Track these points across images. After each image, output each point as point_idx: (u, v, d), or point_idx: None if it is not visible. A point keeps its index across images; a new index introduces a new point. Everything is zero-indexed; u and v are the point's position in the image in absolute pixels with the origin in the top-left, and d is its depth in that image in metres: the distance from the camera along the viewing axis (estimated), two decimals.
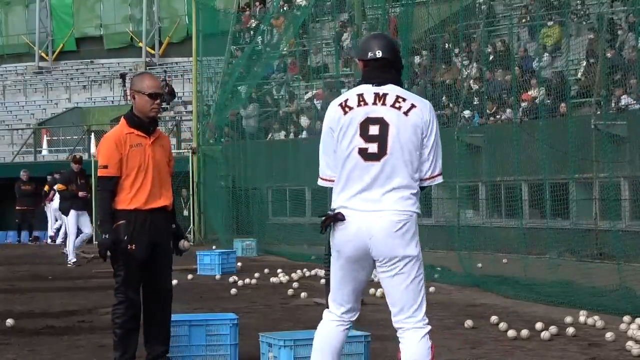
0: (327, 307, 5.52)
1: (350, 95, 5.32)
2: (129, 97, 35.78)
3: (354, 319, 5.47)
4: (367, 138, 5.17)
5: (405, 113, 5.21)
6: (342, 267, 5.34)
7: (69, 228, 18.14)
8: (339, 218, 5.21)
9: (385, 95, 5.24)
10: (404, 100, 5.24)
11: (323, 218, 5.27)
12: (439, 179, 5.32)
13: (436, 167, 5.29)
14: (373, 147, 5.16)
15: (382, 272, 5.26)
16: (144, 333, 7.07)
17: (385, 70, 5.31)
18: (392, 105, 5.21)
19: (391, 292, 5.27)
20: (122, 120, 7.01)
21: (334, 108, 5.31)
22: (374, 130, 5.17)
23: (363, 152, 5.17)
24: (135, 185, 6.84)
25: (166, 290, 7.08)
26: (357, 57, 5.52)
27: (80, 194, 17.80)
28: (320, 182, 5.44)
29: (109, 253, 6.81)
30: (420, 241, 5.33)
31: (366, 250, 5.21)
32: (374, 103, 5.22)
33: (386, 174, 5.16)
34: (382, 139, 5.16)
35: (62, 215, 18.65)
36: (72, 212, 17.82)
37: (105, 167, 6.84)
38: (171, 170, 7.16)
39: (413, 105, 5.24)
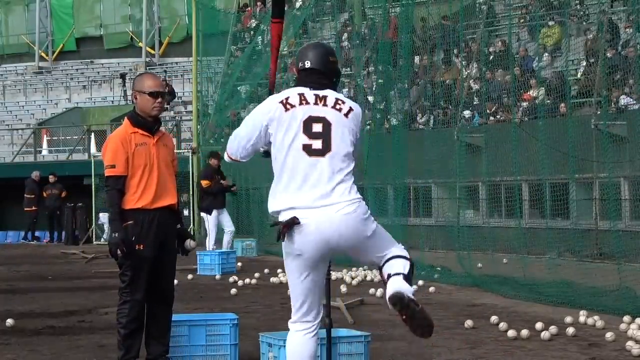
0: (329, 306, 5.53)
1: (290, 93, 5.45)
2: (129, 98, 36.00)
3: (319, 320, 5.49)
4: (311, 135, 5.33)
5: (345, 115, 5.43)
6: (302, 271, 5.34)
7: (209, 228, 17.63)
8: (294, 222, 5.23)
9: (325, 97, 5.45)
10: (343, 102, 5.47)
11: (278, 227, 5.29)
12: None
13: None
14: (317, 144, 5.32)
15: (351, 251, 5.41)
16: (145, 333, 7.09)
17: (320, 78, 5.51)
18: (333, 107, 5.42)
19: (367, 256, 5.46)
20: (126, 120, 7.05)
21: (273, 104, 5.42)
22: (317, 128, 5.35)
23: (307, 148, 5.31)
24: (141, 184, 6.88)
25: (169, 290, 7.11)
26: (295, 66, 5.68)
27: (225, 183, 17.47)
28: (227, 159, 5.66)
29: (119, 252, 6.81)
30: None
31: (328, 247, 5.27)
32: (315, 103, 5.41)
33: (332, 169, 5.30)
34: (325, 136, 5.34)
35: (203, 215, 18.04)
36: (215, 212, 17.38)
37: (113, 166, 6.86)
38: (175, 169, 7.19)
39: (351, 109, 5.46)
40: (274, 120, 5.36)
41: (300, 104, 5.37)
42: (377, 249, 5.42)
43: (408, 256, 5.44)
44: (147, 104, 6.93)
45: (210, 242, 17.59)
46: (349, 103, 5.48)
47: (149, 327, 7.06)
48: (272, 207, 5.39)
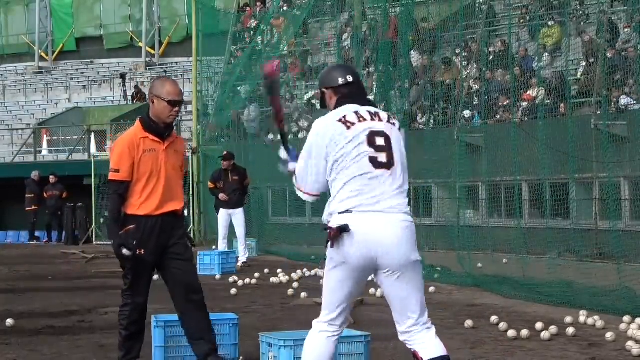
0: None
1: (345, 112, 5.44)
2: (129, 97, 35.97)
3: (344, 327, 5.53)
4: (376, 148, 5.34)
5: (399, 129, 5.51)
6: (343, 278, 5.34)
7: (218, 227, 17.49)
8: (345, 229, 5.23)
9: (377, 113, 5.49)
10: (395, 118, 5.56)
11: (329, 231, 5.27)
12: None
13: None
14: (382, 157, 5.35)
15: (390, 278, 5.31)
16: (186, 334, 7.00)
17: (362, 91, 5.59)
18: (388, 122, 5.46)
19: (400, 297, 5.33)
20: (138, 123, 6.92)
21: (331, 123, 5.40)
22: (380, 141, 5.37)
23: (374, 161, 5.32)
24: (146, 191, 6.79)
25: (193, 291, 6.94)
26: (324, 87, 5.60)
27: (221, 196, 17.11)
28: (304, 196, 5.54)
29: (126, 252, 6.74)
30: (418, 240, 5.43)
31: (373, 259, 5.25)
32: (372, 119, 5.43)
33: (396, 182, 5.34)
34: (388, 150, 5.37)
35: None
36: (222, 211, 17.23)
37: (117, 171, 6.79)
38: (183, 173, 7.12)
39: (398, 124, 5.56)
40: (339, 138, 5.35)
41: (359, 121, 5.40)
42: (410, 297, 5.33)
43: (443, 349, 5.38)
44: (163, 110, 6.79)
45: (218, 240, 17.57)
46: (395, 118, 5.58)
47: (186, 330, 6.98)
48: (330, 210, 5.36)
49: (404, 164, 5.42)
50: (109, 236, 6.90)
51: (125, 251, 6.74)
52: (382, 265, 5.26)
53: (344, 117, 5.40)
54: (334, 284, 5.39)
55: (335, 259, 5.31)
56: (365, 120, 5.40)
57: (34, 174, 28.25)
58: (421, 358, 5.34)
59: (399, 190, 5.33)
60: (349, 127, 5.36)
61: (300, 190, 5.51)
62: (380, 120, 5.43)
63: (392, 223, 5.24)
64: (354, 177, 5.29)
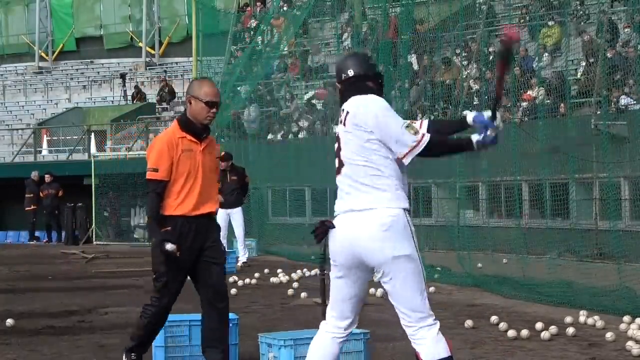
0: (327, 305, 5.55)
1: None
2: (129, 97, 35.93)
3: (350, 330, 5.52)
4: (336, 154, 5.44)
5: (344, 123, 5.39)
6: (338, 276, 5.41)
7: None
8: (328, 226, 5.34)
9: (347, 113, 5.42)
10: (344, 111, 5.42)
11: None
12: (416, 151, 5.24)
13: (401, 145, 5.23)
14: (336, 162, 5.42)
15: (378, 276, 5.35)
16: (201, 336, 6.90)
17: (354, 86, 5.47)
18: (342, 121, 5.43)
19: (392, 293, 5.31)
20: (175, 123, 6.85)
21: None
22: (337, 146, 5.44)
23: (335, 167, 5.44)
24: (183, 192, 6.70)
25: (219, 297, 6.85)
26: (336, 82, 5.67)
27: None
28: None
29: (170, 247, 6.59)
30: (418, 240, 5.35)
31: (356, 256, 5.28)
32: (341, 121, 5.44)
33: (346, 183, 5.34)
34: (338, 153, 5.41)
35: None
36: (220, 211, 16.56)
37: (156, 170, 6.68)
38: (217, 176, 7.06)
39: (347, 113, 5.38)
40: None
41: (337, 124, 5.56)
42: (398, 295, 5.28)
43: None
44: (201, 111, 6.70)
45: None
46: (348, 107, 5.40)
47: (202, 332, 6.92)
48: None
49: (353, 158, 5.27)
50: (150, 234, 6.77)
51: (169, 246, 6.58)
52: (368, 263, 5.29)
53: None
54: (333, 283, 5.46)
55: (331, 257, 5.41)
56: (341, 122, 5.47)
57: (34, 174, 28.27)
58: (420, 359, 5.29)
59: (355, 189, 5.27)
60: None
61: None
62: (343, 122, 5.40)
63: (362, 222, 5.22)
64: None
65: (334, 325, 5.47)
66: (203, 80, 7.11)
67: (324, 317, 5.88)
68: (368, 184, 5.25)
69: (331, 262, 5.42)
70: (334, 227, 5.32)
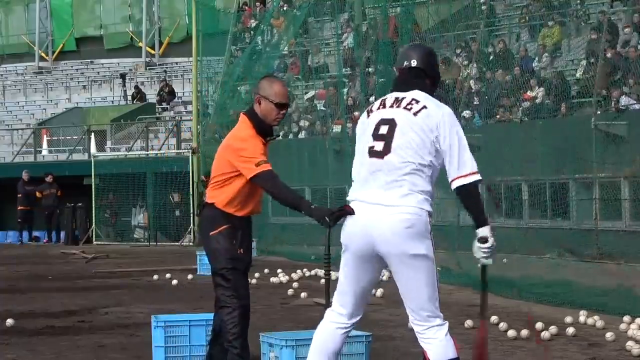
0: (330, 306, 5.53)
1: (378, 101, 5.50)
2: (129, 98, 35.91)
3: (354, 322, 5.47)
4: (376, 137, 5.30)
5: (415, 114, 5.27)
6: (347, 263, 5.35)
7: None
8: (348, 212, 5.27)
9: (403, 99, 5.35)
10: (417, 102, 5.31)
11: (333, 212, 5.33)
12: (467, 180, 5.25)
13: (459, 168, 5.24)
14: (379, 145, 5.26)
15: (391, 268, 5.31)
16: (210, 341, 6.82)
17: (415, 79, 5.41)
18: (405, 107, 5.30)
19: (402, 290, 5.30)
20: (247, 121, 6.46)
21: (364, 114, 5.55)
22: (383, 130, 5.29)
23: (370, 150, 5.29)
24: (251, 191, 6.42)
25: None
26: (395, 66, 5.65)
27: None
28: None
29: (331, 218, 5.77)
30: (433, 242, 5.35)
31: (371, 244, 5.22)
32: (391, 106, 5.35)
33: (387, 171, 5.22)
34: (388, 138, 5.25)
35: None
36: None
37: (267, 161, 6.33)
38: None
39: (424, 107, 5.28)
40: (360, 127, 5.49)
41: (379, 108, 5.41)
42: (408, 293, 5.26)
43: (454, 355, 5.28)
44: (271, 113, 6.40)
45: None
46: (426, 102, 5.30)
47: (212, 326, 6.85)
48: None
49: (408, 151, 5.18)
50: (309, 213, 5.89)
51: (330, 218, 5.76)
52: (383, 256, 5.23)
53: (372, 106, 5.52)
54: (341, 269, 5.42)
55: (342, 243, 5.35)
56: (385, 107, 5.37)
57: (24, 175, 28.20)
58: (428, 358, 5.26)
59: (392, 180, 5.19)
60: (368, 116, 5.46)
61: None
62: (398, 106, 5.31)
63: (383, 214, 5.18)
64: (357, 169, 5.36)
65: (339, 314, 5.44)
66: (273, 79, 6.79)
67: None
68: (408, 181, 5.19)
69: (343, 249, 5.34)
70: (353, 213, 5.25)
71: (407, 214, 5.17)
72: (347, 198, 5.38)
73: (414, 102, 5.29)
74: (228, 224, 6.41)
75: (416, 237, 5.20)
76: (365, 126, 5.42)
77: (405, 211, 5.17)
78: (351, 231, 5.27)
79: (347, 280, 5.39)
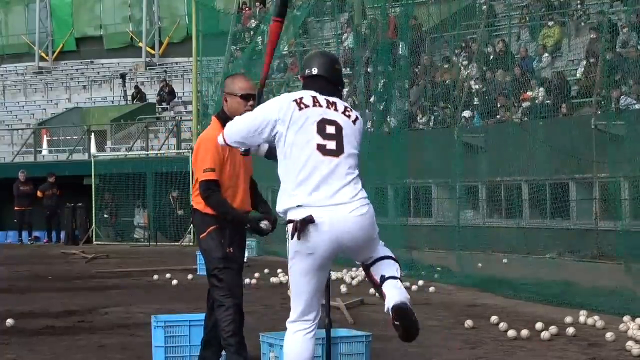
0: (328, 306, 5.56)
1: (303, 94, 5.56)
2: (129, 97, 35.93)
3: (317, 320, 5.54)
4: (324, 136, 5.45)
5: (353, 122, 5.59)
6: (310, 268, 5.38)
7: None
8: (310, 220, 5.28)
9: (335, 102, 5.59)
10: (351, 111, 5.65)
11: (294, 224, 5.30)
12: None
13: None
14: (331, 144, 5.45)
15: (355, 252, 5.55)
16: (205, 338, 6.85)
17: (327, 85, 5.64)
18: (343, 113, 5.57)
19: (375, 267, 5.57)
20: (216, 122, 6.61)
21: (286, 101, 5.51)
22: (330, 130, 5.48)
23: (321, 148, 5.42)
24: (230, 190, 6.57)
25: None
26: (300, 74, 5.82)
27: None
28: (221, 142, 5.74)
29: (265, 223, 6.48)
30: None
31: (339, 246, 5.36)
32: (328, 107, 5.54)
33: (345, 169, 5.43)
34: (338, 138, 5.47)
35: None
36: None
37: (213, 169, 6.47)
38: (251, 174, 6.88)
39: (357, 117, 5.63)
40: (286, 118, 5.45)
41: (314, 105, 5.50)
42: (373, 249, 5.56)
43: (394, 256, 5.60)
44: (238, 106, 6.50)
45: None
46: (355, 112, 5.66)
47: (204, 328, 6.88)
48: (281, 205, 5.44)
49: (353, 153, 5.49)
50: (241, 222, 6.53)
51: (264, 223, 6.49)
52: (349, 248, 5.42)
53: (300, 98, 5.52)
54: (301, 278, 5.44)
55: (301, 252, 5.34)
56: (321, 106, 5.50)
57: (20, 174, 28.19)
58: (375, 280, 5.51)
59: (350, 177, 5.42)
60: (300, 109, 5.46)
61: (221, 136, 5.71)
62: (335, 110, 5.54)
63: (350, 214, 5.33)
64: (302, 165, 5.39)
65: (304, 321, 5.48)
66: (236, 75, 7.04)
67: (327, 317, 5.90)
68: (358, 178, 5.50)
69: (302, 256, 5.35)
70: (314, 221, 5.28)
71: (367, 205, 5.43)
72: (298, 202, 5.33)
73: (348, 110, 5.61)
74: (215, 224, 6.55)
75: (374, 223, 5.50)
76: (296, 119, 5.44)
77: (365, 202, 5.44)
78: (319, 238, 5.31)
79: (309, 286, 5.43)
